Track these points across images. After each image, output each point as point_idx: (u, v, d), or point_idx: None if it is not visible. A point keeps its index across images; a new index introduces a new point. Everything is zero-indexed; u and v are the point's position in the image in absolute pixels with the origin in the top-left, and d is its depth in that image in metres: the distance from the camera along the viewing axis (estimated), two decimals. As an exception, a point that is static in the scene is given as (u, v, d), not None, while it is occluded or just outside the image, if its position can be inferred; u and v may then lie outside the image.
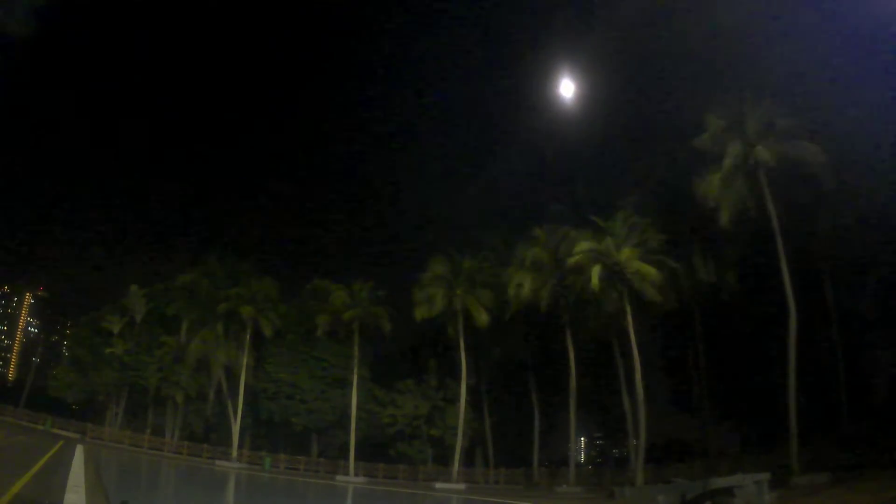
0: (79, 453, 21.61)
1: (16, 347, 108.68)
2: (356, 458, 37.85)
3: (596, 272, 28.41)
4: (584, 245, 29.89)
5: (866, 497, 17.03)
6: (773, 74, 25.41)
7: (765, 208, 24.76)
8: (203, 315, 41.22)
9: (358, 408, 38.39)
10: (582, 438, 62.07)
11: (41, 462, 17.18)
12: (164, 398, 41.94)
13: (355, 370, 38.69)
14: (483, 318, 35.14)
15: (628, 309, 28.85)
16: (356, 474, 36.91)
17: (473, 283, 36.27)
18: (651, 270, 27.99)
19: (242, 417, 39.62)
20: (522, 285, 32.94)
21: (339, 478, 36.08)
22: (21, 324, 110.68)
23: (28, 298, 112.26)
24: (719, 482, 17.15)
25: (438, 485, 33.68)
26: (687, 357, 34.16)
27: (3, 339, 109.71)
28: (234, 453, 39.09)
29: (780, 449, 24.24)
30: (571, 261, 29.77)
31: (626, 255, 28.65)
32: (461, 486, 33.69)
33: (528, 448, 37.30)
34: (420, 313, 35.83)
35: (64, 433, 39.73)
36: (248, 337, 40.17)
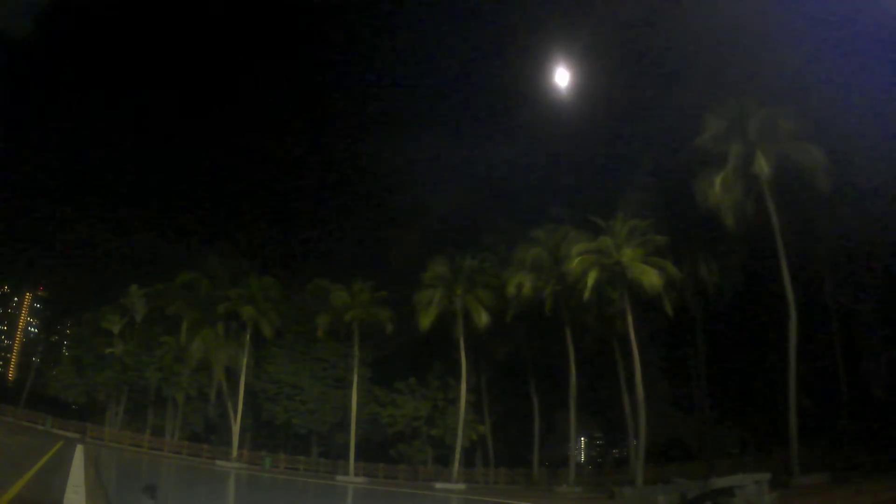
0: (79, 453, 21.59)
1: (16, 347, 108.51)
2: (356, 459, 37.84)
3: (592, 277, 28.45)
4: (583, 246, 29.92)
5: (866, 497, 17.03)
6: (775, 74, 25.42)
7: (766, 209, 24.78)
8: (203, 315, 41.18)
9: (358, 408, 38.38)
10: (582, 438, 62.01)
11: (41, 462, 17.18)
12: (164, 398, 41.93)
13: (355, 370, 38.68)
14: (483, 317, 35.11)
15: (629, 309, 28.88)
16: (356, 474, 36.91)
17: (473, 283, 36.25)
18: (651, 271, 28.00)
19: (242, 418, 39.60)
20: (523, 285, 32.94)
21: (340, 478, 36.09)
22: (21, 324, 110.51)
23: (28, 298, 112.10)
24: (719, 482, 17.11)
25: (438, 485, 33.67)
26: (687, 357, 34.19)
27: (3, 339, 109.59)
28: (234, 453, 39.08)
29: (780, 449, 24.30)
30: (571, 262, 29.78)
31: (627, 256, 28.66)
32: (461, 486, 33.69)
33: (528, 448, 37.30)
34: (424, 321, 35.59)
35: (64, 433, 39.70)
36: (248, 337, 40.16)
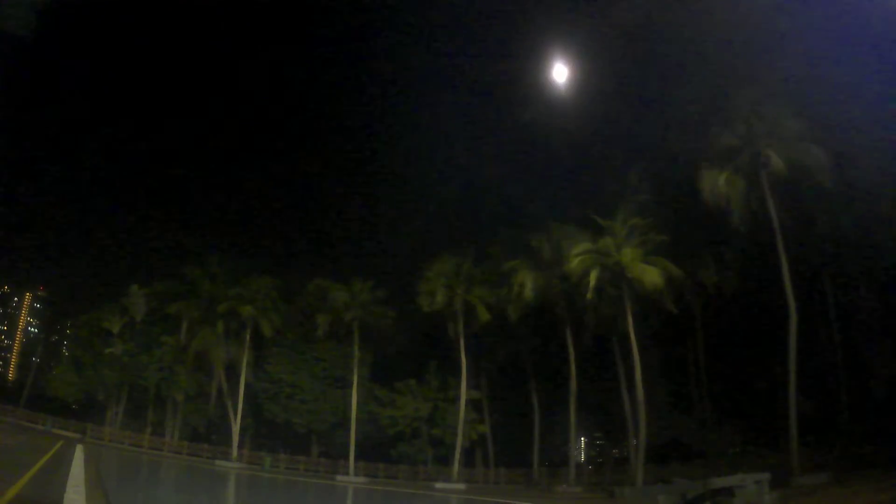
0: (79, 453, 21.61)
1: (16, 347, 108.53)
2: (356, 458, 37.88)
3: (594, 277, 28.44)
4: (583, 246, 29.90)
5: (866, 497, 17.02)
6: (778, 74, 25.38)
7: (766, 209, 24.77)
8: (203, 315, 41.21)
9: (358, 408, 38.39)
10: (582, 438, 61.88)
11: (41, 462, 17.17)
12: (164, 398, 41.93)
13: (355, 370, 38.69)
14: (484, 316, 35.16)
15: (629, 309, 28.86)
16: (356, 474, 36.92)
17: (474, 282, 36.29)
18: (652, 270, 27.99)
19: (242, 417, 39.61)
20: (523, 285, 32.94)
21: (340, 478, 36.10)
22: (21, 324, 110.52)
23: (28, 298, 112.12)
24: (719, 482, 17.11)
25: (438, 485, 33.67)
26: (687, 357, 34.15)
27: (3, 339, 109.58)
28: (234, 453, 39.08)
29: (780, 449, 24.27)
30: (572, 262, 29.76)
31: (627, 255, 28.64)
32: (461, 486, 33.69)
33: (528, 448, 37.30)
34: (425, 304, 35.74)
35: (64, 433, 39.71)
36: (248, 336, 40.17)
